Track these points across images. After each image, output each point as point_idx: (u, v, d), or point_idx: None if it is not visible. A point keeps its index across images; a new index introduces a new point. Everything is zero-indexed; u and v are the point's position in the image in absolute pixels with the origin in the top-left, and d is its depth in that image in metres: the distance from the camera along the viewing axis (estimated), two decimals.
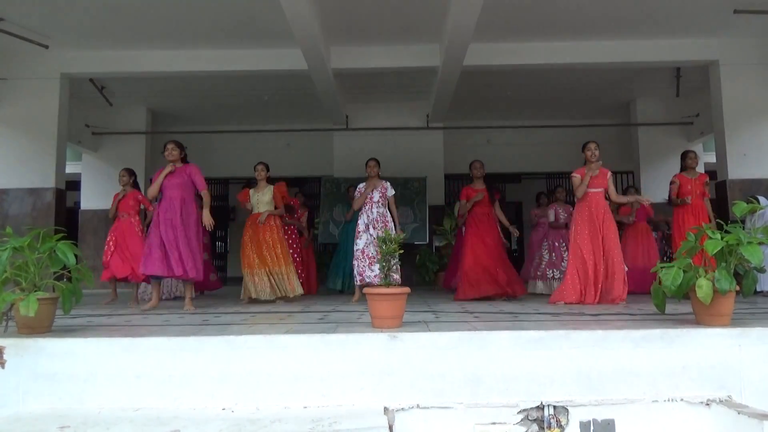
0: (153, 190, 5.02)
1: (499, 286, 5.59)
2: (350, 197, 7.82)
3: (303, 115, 10.29)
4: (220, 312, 4.62)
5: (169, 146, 5.14)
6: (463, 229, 7.47)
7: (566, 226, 6.84)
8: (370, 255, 5.66)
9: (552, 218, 7.11)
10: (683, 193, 5.88)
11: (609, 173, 5.29)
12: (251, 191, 6.02)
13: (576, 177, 5.26)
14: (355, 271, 5.75)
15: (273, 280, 5.65)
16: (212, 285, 7.21)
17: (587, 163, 5.27)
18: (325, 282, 7.63)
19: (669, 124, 9.76)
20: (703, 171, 9.91)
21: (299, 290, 5.77)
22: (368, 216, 5.83)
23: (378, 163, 6.09)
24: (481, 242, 5.77)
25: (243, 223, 6.12)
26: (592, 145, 5.26)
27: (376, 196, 5.91)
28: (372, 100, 9.90)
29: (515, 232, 5.99)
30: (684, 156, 6.03)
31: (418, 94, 9.49)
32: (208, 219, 4.98)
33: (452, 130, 10.28)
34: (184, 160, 5.23)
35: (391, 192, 5.98)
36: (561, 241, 6.98)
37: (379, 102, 9.96)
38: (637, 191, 7.29)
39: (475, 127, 10.40)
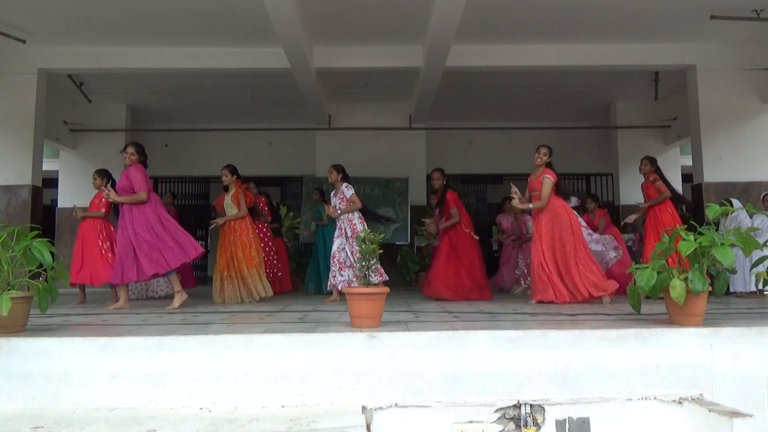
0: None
1: (456, 292, 5.69)
2: (315, 200, 7.85)
3: (286, 114, 10.24)
4: (199, 311, 4.59)
5: (129, 149, 5.06)
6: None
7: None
8: (341, 260, 5.65)
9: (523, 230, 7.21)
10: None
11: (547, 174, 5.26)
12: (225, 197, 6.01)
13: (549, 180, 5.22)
14: (337, 278, 5.66)
15: (241, 284, 5.63)
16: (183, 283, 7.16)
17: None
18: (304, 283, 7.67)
19: (647, 127, 9.90)
20: (680, 174, 10.14)
21: (267, 292, 5.74)
22: (337, 220, 5.78)
23: (336, 168, 5.92)
24: (452, 248, 5.86)
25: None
26: (543, 150, 5.29)
27: (336, 201, 5.79)
28: (355, 100, 9.89)
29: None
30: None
31: (400, 94, 9.50)
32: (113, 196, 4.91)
33: (435, 130, 10.32)
34: (142, 161, 5.17)
35: (348, 193, 5.73)
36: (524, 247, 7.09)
37: (362, 102, 9.96)
38: (595, 198, 7.37)
39: (458, 128, 10.45)
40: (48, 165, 9.15)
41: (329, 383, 2.79)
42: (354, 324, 3.20)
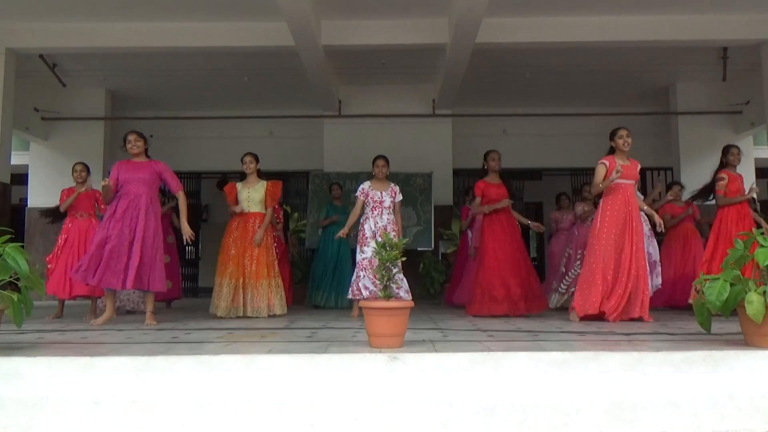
0: (108, 197, 5.07)
1: (514, 304, 5.69)
2: (334, 197, 7.86)
3: (289, 100, 10.29)
4: (191, 328, 4.62)
5: (132, 136, 5.16)
6: (469, 232, 7.55)
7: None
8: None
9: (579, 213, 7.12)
10: (732, 192, 5.89)
11: (638, 165, 5.41)
12: (240, 186, 6.02)
13: (602, 165, 5.29)
14: (361, 284, 5.72)
15: (248, 296, 5.66)
16: (169, 293, 7.21)
17: (617, 152, 5.35)
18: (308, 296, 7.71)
19: (714, 113, 9.79)
20: (753, 168, 9.98)
21: (281, 309, 5.80)
22: (376, 223, 5.79)
23: (387, 162, 6.03)
24: (500, 249, 5.84)
25: (218, 225, 6.14)
26: (624, 132, 5.35)
27: (387, 200, 5.87)
28: (369, 83, 9.91)
29: (538, 228, 6.06)
30: (726, 151, 6.04)
31: (423, 76, 9.50)
32: (187, 230, 5.07)
33: (462, 118, 10.30)
34: (146, 153, 5.30)
35: (399, 197, 5.96)
36: (580, 250, 7.02)
37: (378, 85, 9.98)
38: (683, 188, 7.33)
39: (489, 114, 10.41)
40: (16, 159, 9.29)
41: (344, 412, 2.79)
42: (372, 344, 3.20)
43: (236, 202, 5.99)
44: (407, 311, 3.26)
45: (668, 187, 7.36)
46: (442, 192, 9.76)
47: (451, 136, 10.10)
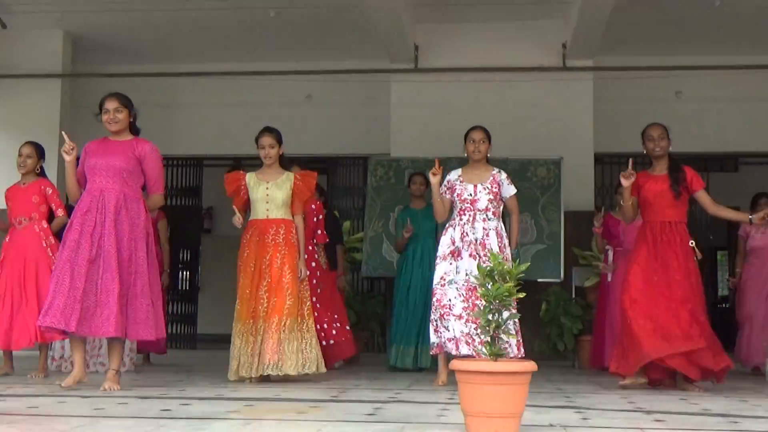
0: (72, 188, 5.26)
1: (683, 358, 5.58)
2: (414, 195, 7.82)
3: (337, 47, 10.42)
4: (189, 396, 4.72)
5: (111, 104, 5.26)
6: (610, 253, 7.45)
7: None
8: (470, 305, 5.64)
9: None
10: None
11: None
12: (251, 178, 6.11)
13: None
14: (440, 335, 5.73)
15: (262, 345, 5.72)
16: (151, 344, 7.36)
17: None
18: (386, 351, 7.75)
19: None
20: None
21: (320, 366, 5.85)
22: (464, 234, 5.80)
23: (488, 135, 6.04)
24: (655, 274, 5.78)
25: (226, 239, 6.24)
26: None
27: (484, 198, 5.87)
28: (462, 20, 9.93)
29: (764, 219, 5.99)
30: None
31: (547, 7, 9.45)
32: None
33: (610, 73, 10.19)
34: (132, 130, 5.40)
35: (510, 190, 5.96)
36: None
37: (475, 22, 9.98)
38: None
39: (654, 67, 10.23)
40: None
41: None
42: (471, 428, 3.19)
43: (244, 204, 6.09)
44: (528, 378, 3.24)
45: None
46: (578, 189, 9.64)
47: (591, 101, 10.00)
